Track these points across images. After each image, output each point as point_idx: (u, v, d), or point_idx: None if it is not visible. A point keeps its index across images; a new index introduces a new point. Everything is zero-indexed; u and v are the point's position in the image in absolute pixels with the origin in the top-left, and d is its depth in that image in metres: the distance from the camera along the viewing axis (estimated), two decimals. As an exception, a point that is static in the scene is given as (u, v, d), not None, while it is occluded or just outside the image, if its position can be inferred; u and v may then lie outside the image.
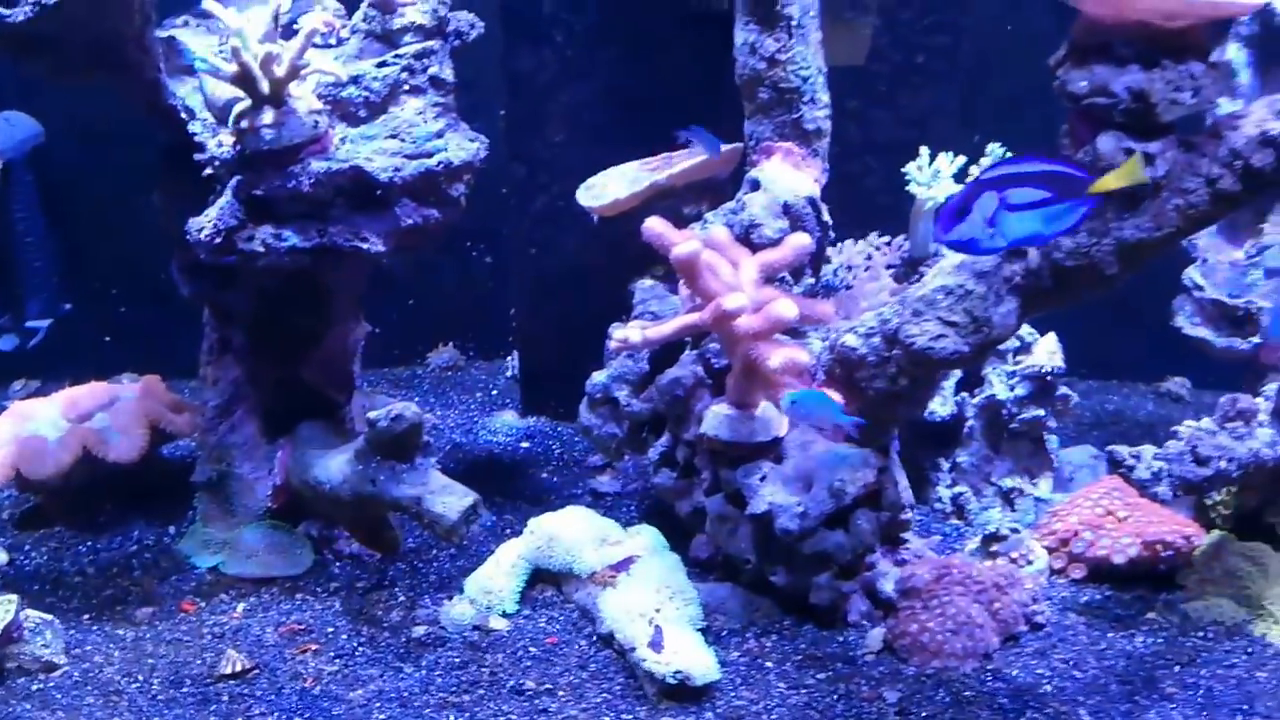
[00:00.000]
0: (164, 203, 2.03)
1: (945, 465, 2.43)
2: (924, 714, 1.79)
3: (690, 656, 1.84)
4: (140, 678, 1.91)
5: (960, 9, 2.47)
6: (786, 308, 1.82)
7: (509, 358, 3.08)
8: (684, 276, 1.86)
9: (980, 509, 2.34)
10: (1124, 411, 2.88)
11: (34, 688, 1.89)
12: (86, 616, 2.11)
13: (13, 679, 1.91)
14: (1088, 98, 1.59)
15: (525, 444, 2.75)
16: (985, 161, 2.19)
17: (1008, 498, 2.36)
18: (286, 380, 2.23)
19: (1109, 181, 1.51)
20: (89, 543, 2.38)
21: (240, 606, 2.11)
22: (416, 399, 2.94)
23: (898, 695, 1.85)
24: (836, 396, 1.88)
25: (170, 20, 2.10)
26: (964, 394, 2.37)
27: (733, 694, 1.84)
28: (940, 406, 2.34)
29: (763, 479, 1.99)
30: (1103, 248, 1.63)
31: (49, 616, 1.99)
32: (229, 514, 2.27)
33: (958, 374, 2.36)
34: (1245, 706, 1.80)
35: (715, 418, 2.00)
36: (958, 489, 2.38)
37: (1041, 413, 2.30)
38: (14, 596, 1.91)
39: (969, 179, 1.62)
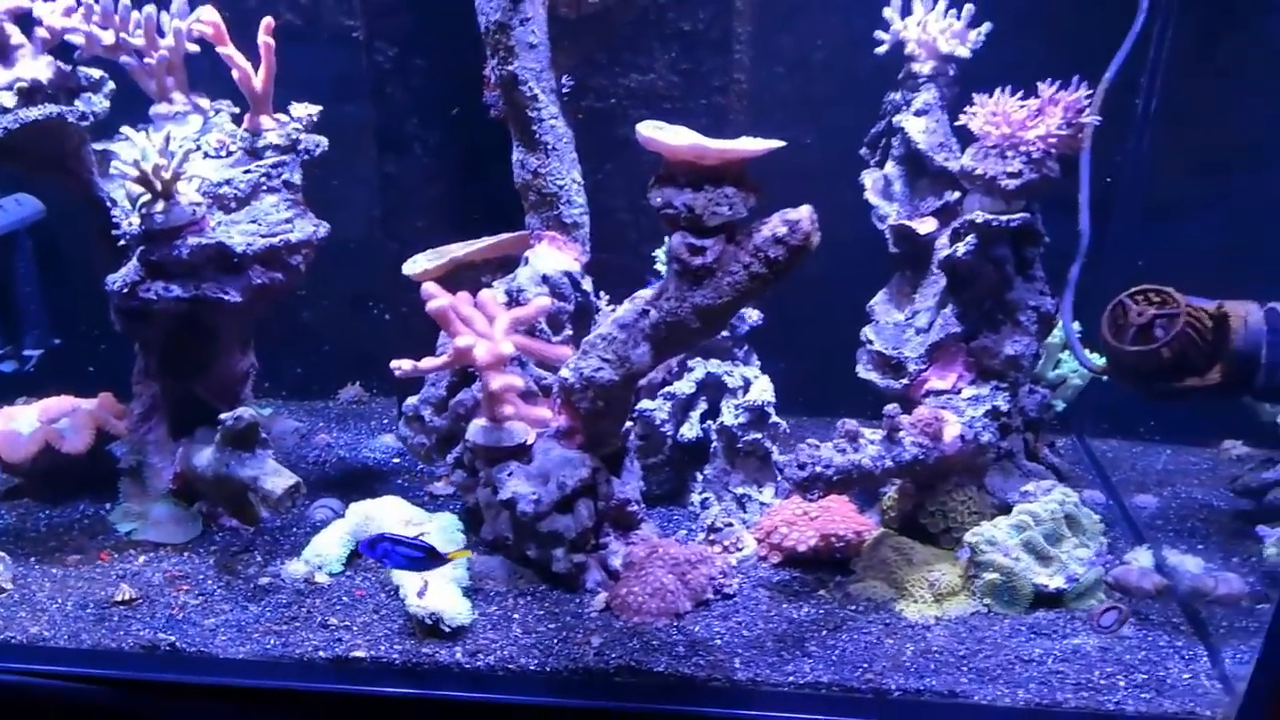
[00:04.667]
0: (101, 267, 2.56)
1: (699, 476, 2.81)
2: (615, 655, 2.16)
3: (445, 603, 2.23)
4: (60, 600, 2.38)
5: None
6: (505, 347, 2.34)
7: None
8: (440, 323, 2.39)
9: (722, 510, 2.71)
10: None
11: (-16, 602, 2.35)
12: (33, 558, 2.55)
13: (-29, 596, 2.37)
14: (662, 210, 2.06)
15: (396, 460, 3.15)
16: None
17: (741, 502, 2.75)
18: (187, 396, 2.65)
19: None
20: (47, 510, 2.82)
21: (141, 558, 2.55)
22: (321, 424, 3.43)
23: (600, 641, 2.21)
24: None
25: (120, 135, 2.65)
26: (709, 422, 2.81)
27: (480, 635, 2.24)
28: (688, 430, 2.80)
29: (510, 474, 2.38)
30: (684, 309, 2.12)
31: (2, 554, 2.49)
32: (144, 493, 2.68)
33: (704, 405, 2.82)
34: (865, 664, 2.15)
35: (475, 428, 2.45)
36: (704, 495, 2.77)
37: (759, 436, 2.75)
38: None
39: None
